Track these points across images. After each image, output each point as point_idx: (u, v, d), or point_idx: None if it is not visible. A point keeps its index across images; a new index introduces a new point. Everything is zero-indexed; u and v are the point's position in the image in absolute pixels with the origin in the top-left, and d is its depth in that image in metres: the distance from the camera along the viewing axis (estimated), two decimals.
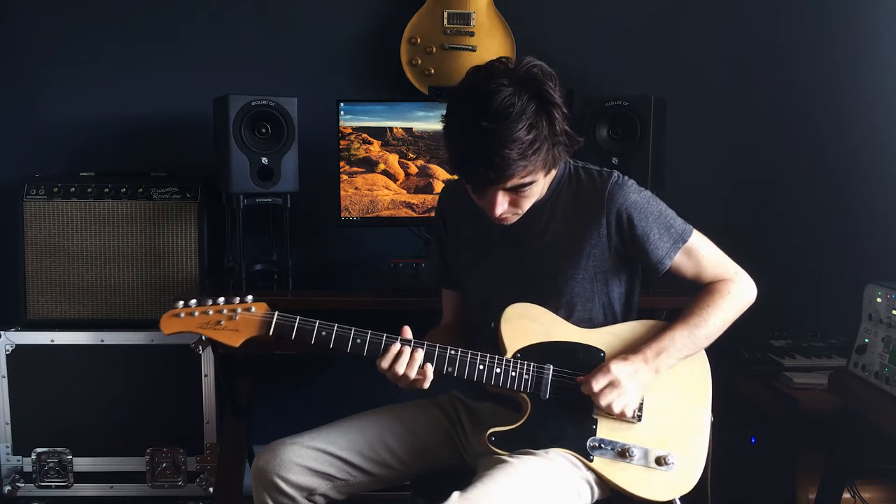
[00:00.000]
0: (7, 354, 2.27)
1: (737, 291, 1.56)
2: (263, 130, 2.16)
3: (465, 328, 1.72)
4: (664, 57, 2.55)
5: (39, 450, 2.31)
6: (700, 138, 2.55)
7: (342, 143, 2.30)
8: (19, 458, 2.32)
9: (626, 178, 1.55)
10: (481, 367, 1.50)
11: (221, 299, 1.48)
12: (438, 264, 1.76)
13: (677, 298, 1.93)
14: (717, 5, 2.55)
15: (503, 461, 1.42)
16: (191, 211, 2.34)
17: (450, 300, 1.78)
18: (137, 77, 2.55)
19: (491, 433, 1.48)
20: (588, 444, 1.49)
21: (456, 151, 1.43)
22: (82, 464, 2.32)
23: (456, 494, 1.33)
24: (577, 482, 1.48)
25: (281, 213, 2.22)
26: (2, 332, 2.27)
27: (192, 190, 2.35)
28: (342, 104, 2.30)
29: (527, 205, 1.50)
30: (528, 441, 1.49)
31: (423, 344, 1.48)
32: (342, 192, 2.31)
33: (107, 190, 2.34)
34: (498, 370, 1.50)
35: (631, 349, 1.53)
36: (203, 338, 1.84)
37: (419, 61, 2.44)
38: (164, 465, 2.33)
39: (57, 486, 2.33)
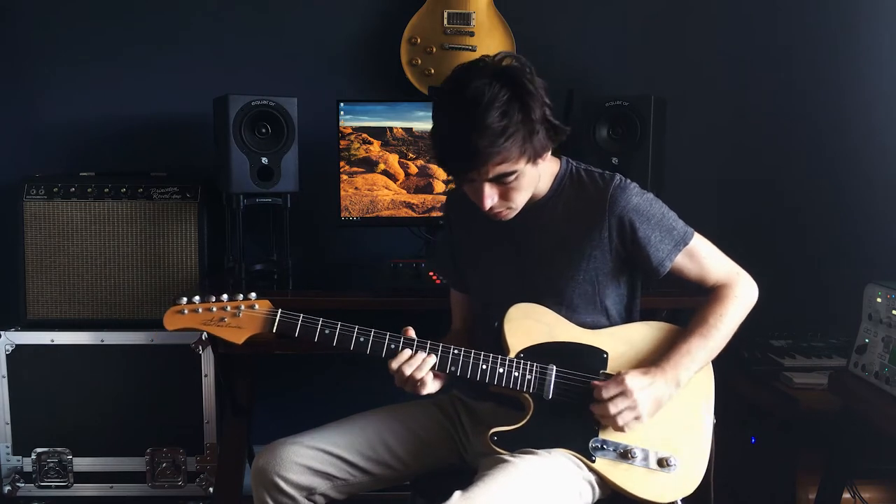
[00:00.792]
0: (7, 354, 2.27)
1: (742, 294, 1.57)
2: (263, 130, 2.16)
3: (473, 335, 1.72)
4: (664, 57, 2.55)
5: (39, 450, 2.31)
6: (700, 138, 2.55)
7: (342, 143, 2.30)
8: (19, 458, 2.32)
9: (629, 181, 1.55)
10: (484, 366, 1.50)
11: (225, 296, 1.48)
12: (448, 265, 1.76)
13: (678, 299, 1.94)
14: (717, 5, 2.55)
15: (504, 461, 1.42)
16: (191, 211, 2.34)
17: (458, 304, 1.78)
18: (137, 77, 2.54)
19: (493, 433, 1.48)
20: (590, 444, 1.49)
21: (436, 145, 1.45)
22: (82, 464, 2.32)
23: (457, 494, 1.33)
24: (579, 482, 1.48)
25: (281, 213, 2.22)
26: (2, 332, 2.27)
27: (192, 190, 2.35)
28: (342, 104, 2.30)
29: (518, 198, 1.49)
30: (530, 441, 1.48)
31: (427, 344, 1.48)
32: (342, 192, 2.31)
33: (107, 190, 2.33)
34: (501, 370, 1.50)
35: (646, 360, 1.53)
36: (204, 336, 1.84)
37: (419, 61, 2.44)
38: (164, 465, 2.32)
39: (57, 486, 2.33)
